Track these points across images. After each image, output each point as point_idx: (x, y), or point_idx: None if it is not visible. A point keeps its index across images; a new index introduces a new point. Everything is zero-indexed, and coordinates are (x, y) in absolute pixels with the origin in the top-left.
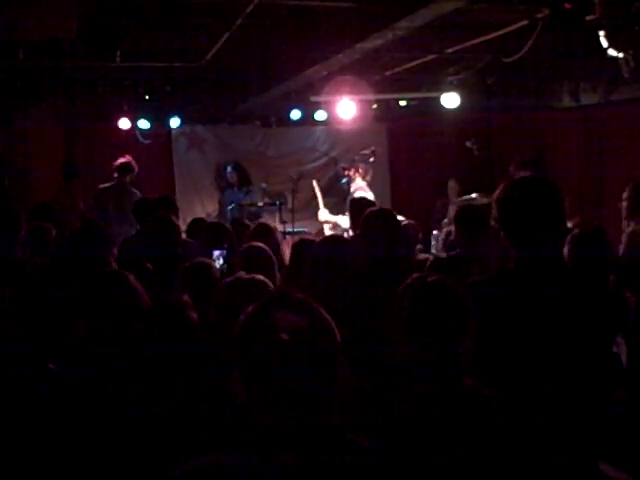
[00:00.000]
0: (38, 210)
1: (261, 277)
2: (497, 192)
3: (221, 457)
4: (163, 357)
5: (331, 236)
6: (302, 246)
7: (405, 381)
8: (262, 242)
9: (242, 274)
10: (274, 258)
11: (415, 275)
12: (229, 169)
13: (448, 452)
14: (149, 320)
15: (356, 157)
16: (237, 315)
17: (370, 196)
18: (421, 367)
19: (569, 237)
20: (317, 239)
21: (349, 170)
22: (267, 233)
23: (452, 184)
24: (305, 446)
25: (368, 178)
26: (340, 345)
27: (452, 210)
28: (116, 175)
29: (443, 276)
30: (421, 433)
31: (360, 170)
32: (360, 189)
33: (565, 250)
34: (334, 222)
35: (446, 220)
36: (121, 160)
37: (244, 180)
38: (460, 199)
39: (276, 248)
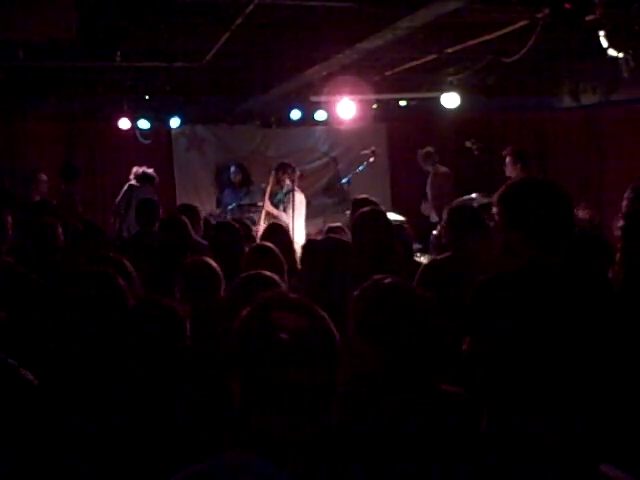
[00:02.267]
0: (37, 208)
1: (268, 273)
2: (504, 191)
3: (221, 459)
4: (148, 353)
5: (330, 238)
6: (311, 246)
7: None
8: (274, 242)
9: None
10: (283, 258)
11: (374, 278)
12: (233, 168)
13: (421, 460)
14: (135, 317)
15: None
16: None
17: (301, 197)
18: (383, 371)
19: None
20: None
21: (289, 179)
22: (280, 233)
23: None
24: (304, 447)
25: (295, 179)
26: (339, 345)
27: (431, 180)
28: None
29: (399, 278)
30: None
31: (290, 173)
32: (295, 191)
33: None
34: (276, 214)
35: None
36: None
37: (246, 180)
38: (460, 199)
39: (289, 248)
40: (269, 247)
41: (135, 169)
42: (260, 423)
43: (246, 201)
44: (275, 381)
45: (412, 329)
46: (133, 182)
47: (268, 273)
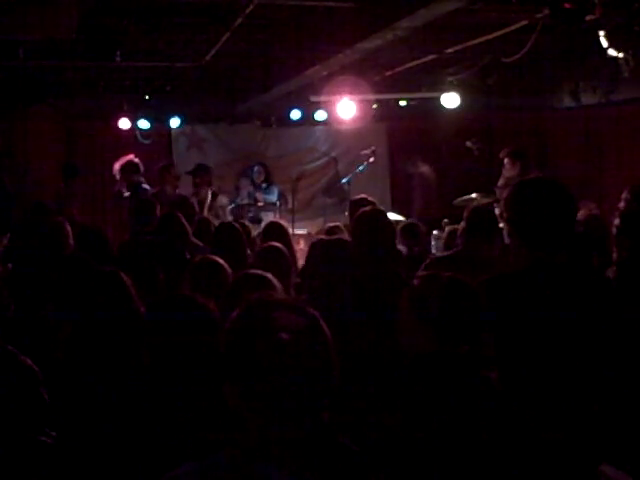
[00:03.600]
0: (34, 210)
1: (260, 272)
2: (509, 193)
3: (219, 458)
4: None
5: (332, 239)
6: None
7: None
8: (275, 242)
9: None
10: (290, 259)
11: (425, 273)
12: (256, 168)
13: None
14: (168, 311)
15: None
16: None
17: (224, 200)
18: (445, 363)
19: None
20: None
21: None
22: (281, 233)
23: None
24: (304, 447)
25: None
26: (334, 345)
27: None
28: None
29: (456, 274)
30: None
31: (206, 179)
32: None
33: None
34: None
35: (446, 220)
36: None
37: (268, 179)
38: (460, 199)
39: (289, 248)
40: (278, 247)
41: (117, 165)
42: (259, 423)
43: (245, 201)
44: (275, 381)
45: (465, 319)
46: (126, 194)
47: (259, 272)
